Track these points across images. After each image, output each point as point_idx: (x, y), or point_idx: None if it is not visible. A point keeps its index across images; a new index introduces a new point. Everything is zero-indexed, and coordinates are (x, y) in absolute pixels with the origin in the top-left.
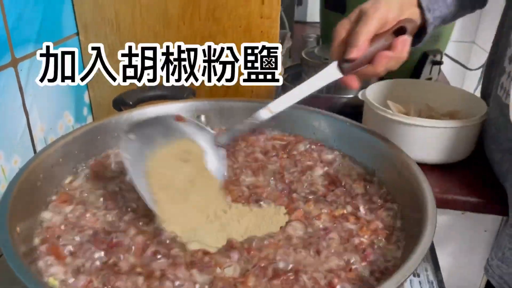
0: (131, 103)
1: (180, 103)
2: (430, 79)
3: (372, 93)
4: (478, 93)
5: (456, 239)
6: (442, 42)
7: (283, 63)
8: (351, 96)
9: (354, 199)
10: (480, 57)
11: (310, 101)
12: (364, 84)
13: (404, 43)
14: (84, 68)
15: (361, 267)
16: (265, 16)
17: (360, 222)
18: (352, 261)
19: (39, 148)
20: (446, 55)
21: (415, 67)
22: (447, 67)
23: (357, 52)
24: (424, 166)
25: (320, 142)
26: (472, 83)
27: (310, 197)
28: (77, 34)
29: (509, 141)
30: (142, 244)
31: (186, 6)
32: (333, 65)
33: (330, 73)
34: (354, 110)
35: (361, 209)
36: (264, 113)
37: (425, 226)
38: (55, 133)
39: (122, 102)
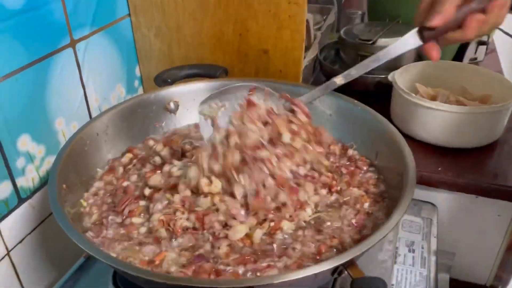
0: (169, 80)
1: (212, 81)
2: (475, 59)
3: (404, 75)
4: None
5: (470, 222)
6: None
7: (322, 41)
8: (383, 76)
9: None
10: None
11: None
12: None
13: (501, 7)
14: (135, 47)
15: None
16: (292, 2)
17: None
18: None
19: (94, 115)
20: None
21: (458, 48)
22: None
23: (440, 19)
24: (440, 149)
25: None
26: None
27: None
28: (129, 15)
29: None
30: None
31: None
32: (413, 32)
33: (409, 41)
34: (387, 91)
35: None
36: (339, 80)
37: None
38: (109, 102)
39: (162, 79)
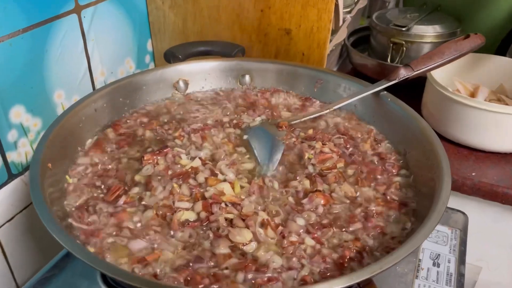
0: (180, 56)
1: (227, 60)
2: None
3: (441, 68)
4: None
5: (501, 235)
6: None
7: (351, 26)
8: None
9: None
10: None
11: (373, 69)
12: None
13: None
14: (148, 19)
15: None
16: None
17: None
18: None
19: None
20: None
21: (502, 40)
22: None
23: None
24: (476, 152)
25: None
26: None
27: None
28: None
29: None
30: None
31: None
32: None
33: None
34: (418, 84)
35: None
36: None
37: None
38: (116, 77)
39: (172, 55)
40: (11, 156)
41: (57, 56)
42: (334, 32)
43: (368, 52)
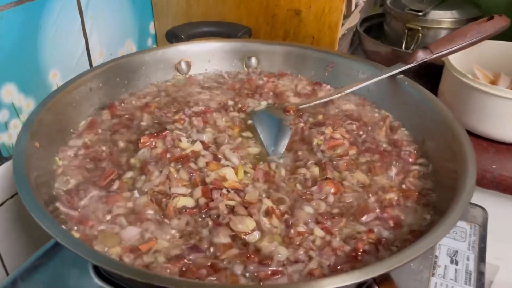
0: (183, 36)
1: (232, 41)
2: None
3: (459, 54)
4: None
5: None
6: None
7: (364, 12)
8: None
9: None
10: None
11: (387, 56)
12: None
13: None
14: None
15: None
16: None
17: None
18: None
19: None
20: None
21: None
22: None
23: None
24: (497, 143)
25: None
26: None
27: None
28: None
29: None
30: None
31: None
32: None
33: None
34: (435, 71)
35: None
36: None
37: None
38: None
39: (174, 35)
40: (2, 138)
41: (52, 33)
42: (346, 16)
43: (381, 40)
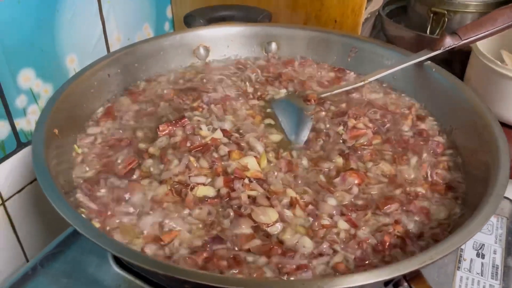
0: (201, 21)
1: (252, 25)
2: None
3: (486, 39)
4: None
5: None
6: None
7: None
8: None
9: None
10: None
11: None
12: None
13: None
14: None
15: None
16: None
17: None
18: None
19: None
20: None
21: None
22: None
23: None
24: None
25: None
26: None
27: None
28: None
29: None
30: None
31: None
32: None
33: None
34: (463, 57)
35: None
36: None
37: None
38: None
39: (193, 18)
40: (20, 124)
41: (70, 17)
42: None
43: (404, 24)
